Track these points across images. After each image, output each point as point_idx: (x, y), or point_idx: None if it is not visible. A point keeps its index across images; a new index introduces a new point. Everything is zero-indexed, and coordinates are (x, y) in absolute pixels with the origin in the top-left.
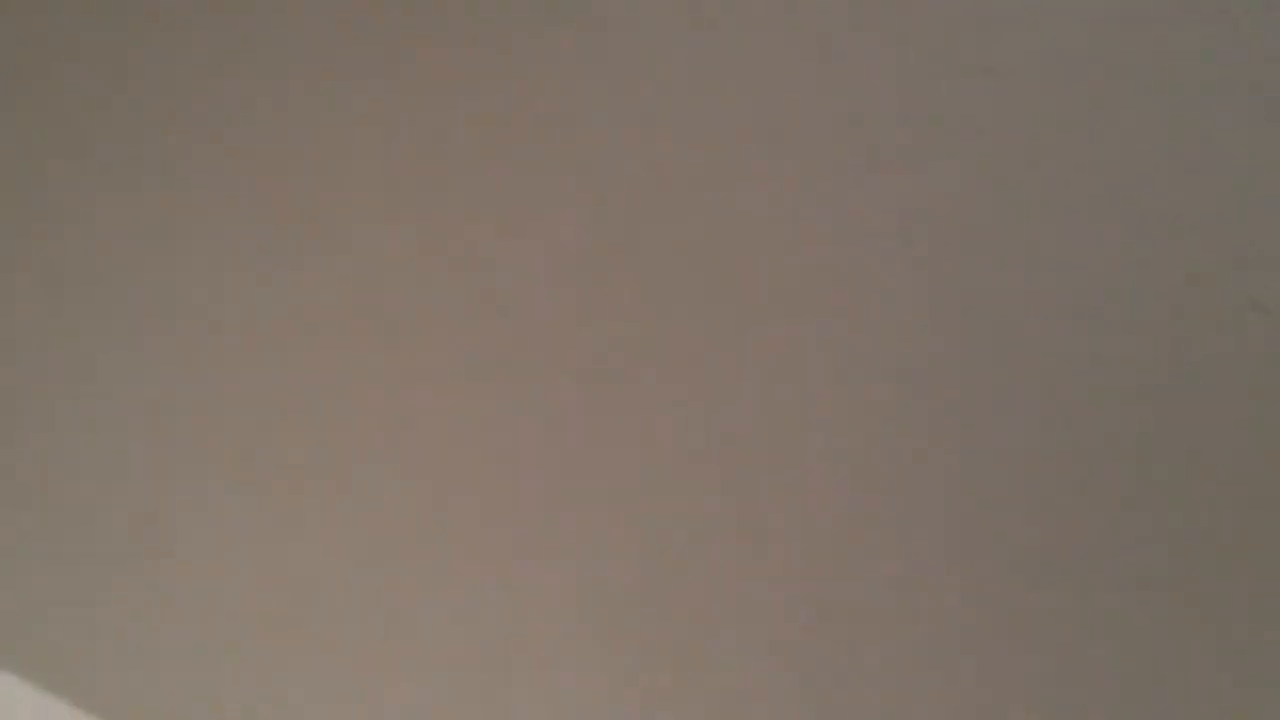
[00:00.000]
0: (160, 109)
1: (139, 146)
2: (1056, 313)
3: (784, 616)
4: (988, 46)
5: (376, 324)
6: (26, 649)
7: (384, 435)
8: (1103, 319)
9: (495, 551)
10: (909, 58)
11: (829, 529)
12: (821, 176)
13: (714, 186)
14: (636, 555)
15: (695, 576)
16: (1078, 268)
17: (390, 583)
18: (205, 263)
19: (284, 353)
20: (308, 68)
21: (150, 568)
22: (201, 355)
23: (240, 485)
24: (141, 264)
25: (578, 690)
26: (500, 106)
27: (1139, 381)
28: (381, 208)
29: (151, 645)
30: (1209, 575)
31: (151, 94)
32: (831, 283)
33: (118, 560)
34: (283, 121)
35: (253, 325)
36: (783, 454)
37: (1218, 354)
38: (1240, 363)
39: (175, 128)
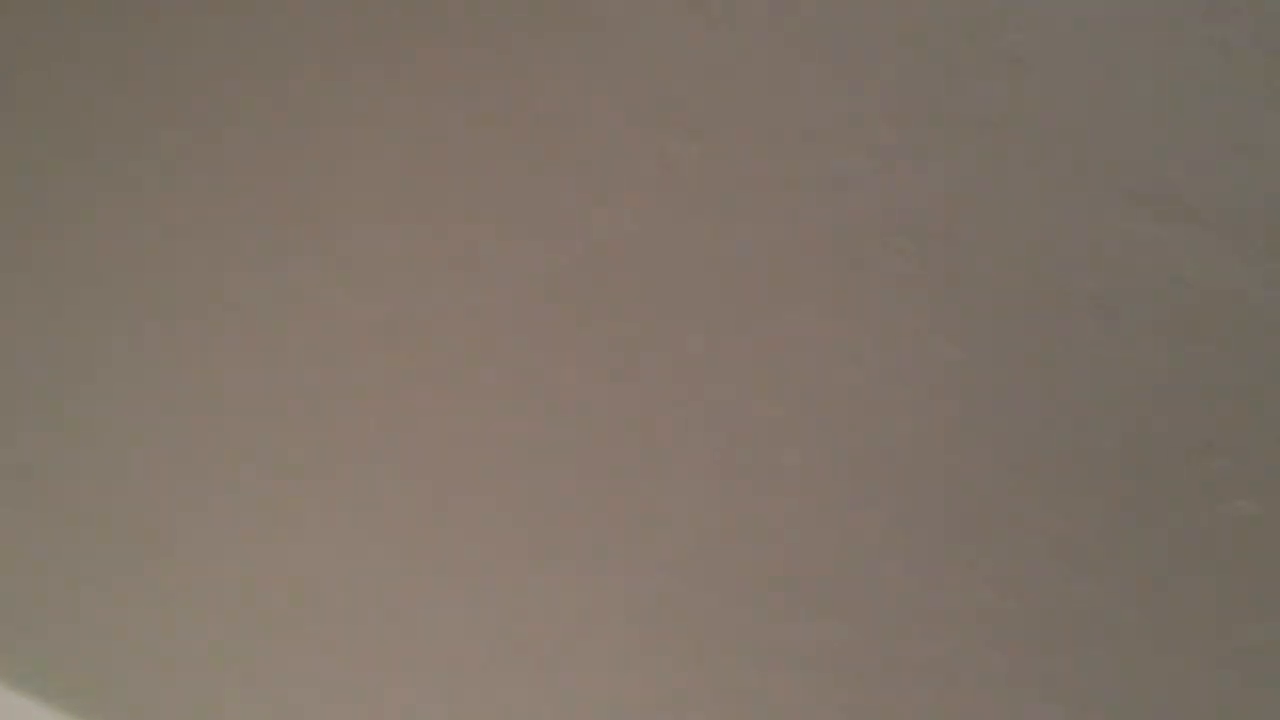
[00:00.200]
0: (160, 108)
1: (138, 146)
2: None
3: (787, 617)
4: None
5: (378, 324)
6: (23, 652)
7: (386, 436)
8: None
9: (496, 553)
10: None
11: (833, 527)
12: (824, 176)
13: (716, 186)
14: (637, 556)
15: (699, 576)
16: None
17: (390, 583)
18: (205, 263)
19: (286, 353)
20: (308, 67)
21: (150, 569)
22: (202, 355)
23: (240, 485)
24: (142, 263)
25: (578, 691)
26: (500, 106)
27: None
28: (383, 207)
29: (151, 647)
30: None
31: (151, 93)
32: (835, 283)
33: (117, 563)
34: (283, 121)
35: (253, 325)
36: (787, 452)
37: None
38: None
39: (175, 127)
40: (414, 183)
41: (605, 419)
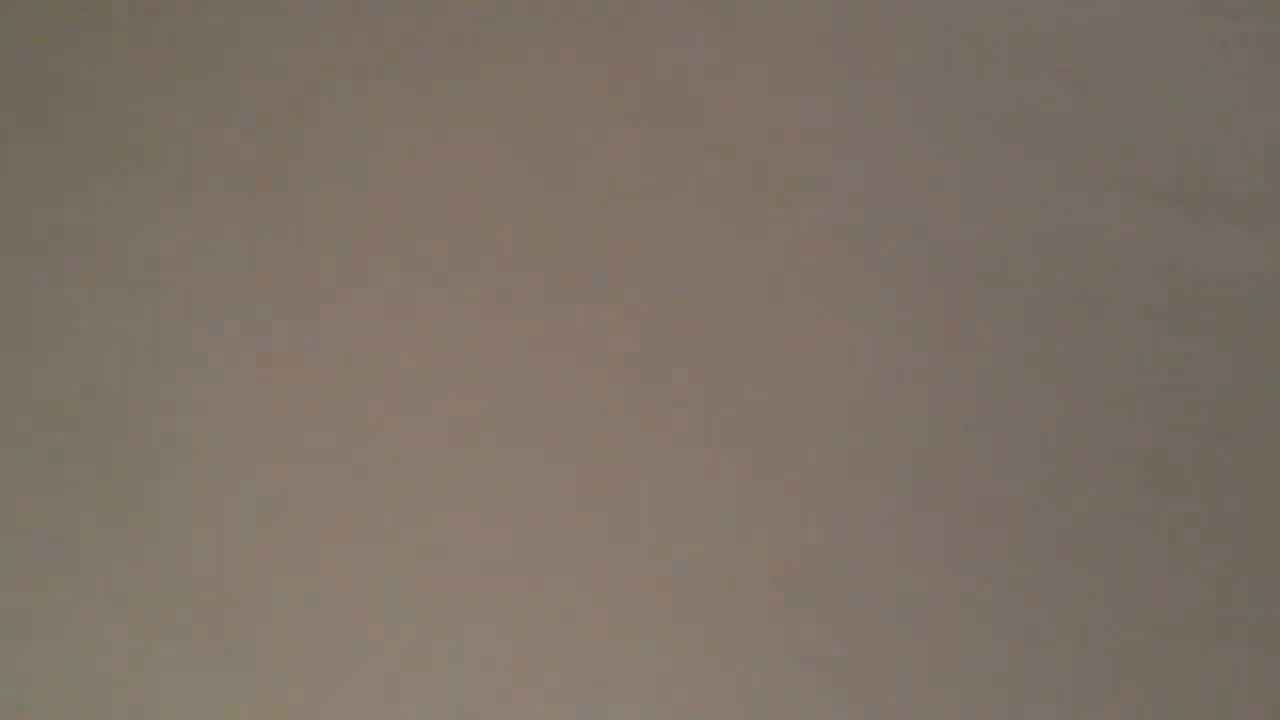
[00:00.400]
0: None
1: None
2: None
3: (787, 617)
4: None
5: (384, 329)
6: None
7: (392, 443)
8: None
9: (497, 557)
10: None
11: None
12: (829, 176)
13: (720, 187)
14: (639, 555)
15: (697, 577)
16: None
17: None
18: (205, 267)
19: (291, 358)
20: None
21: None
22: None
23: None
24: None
25: (579, 691)
26: (501, 107)
27: None
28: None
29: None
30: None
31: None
32: (838, 281)
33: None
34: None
35: (253, 329)
36: (792, 446)
37: None
38: None
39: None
40: (411, 182)
41: (610, 420)
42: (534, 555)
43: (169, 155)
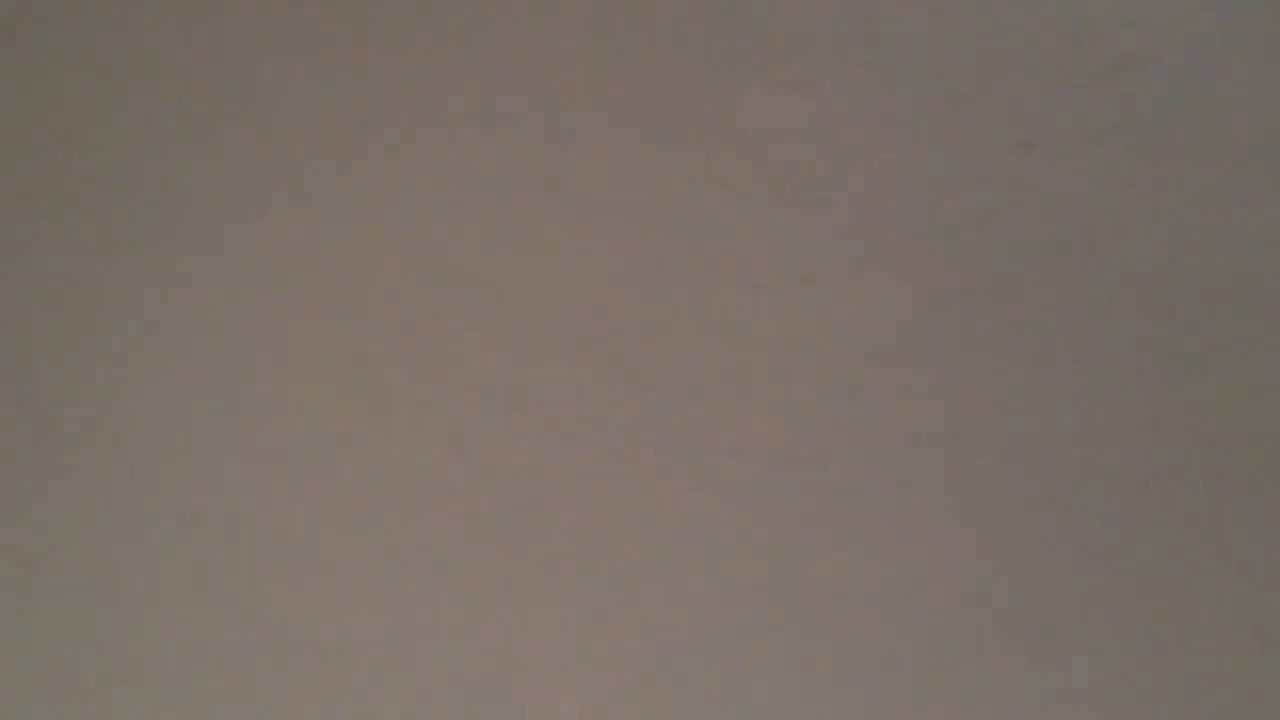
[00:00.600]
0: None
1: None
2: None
3: (785, 616)
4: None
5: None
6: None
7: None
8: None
9: (495, 563)
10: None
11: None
12: (842, 177)
13: (733, 188)
14: (637, 556)
15: (697, 578)
16: None
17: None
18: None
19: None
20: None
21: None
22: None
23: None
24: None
25: (579, 691)
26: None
27: None
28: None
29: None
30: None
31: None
32: (846, 283)
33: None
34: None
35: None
36: (794, 445)
37: None
38: None
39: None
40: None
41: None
42: (534, 557)
43: (186, 242)
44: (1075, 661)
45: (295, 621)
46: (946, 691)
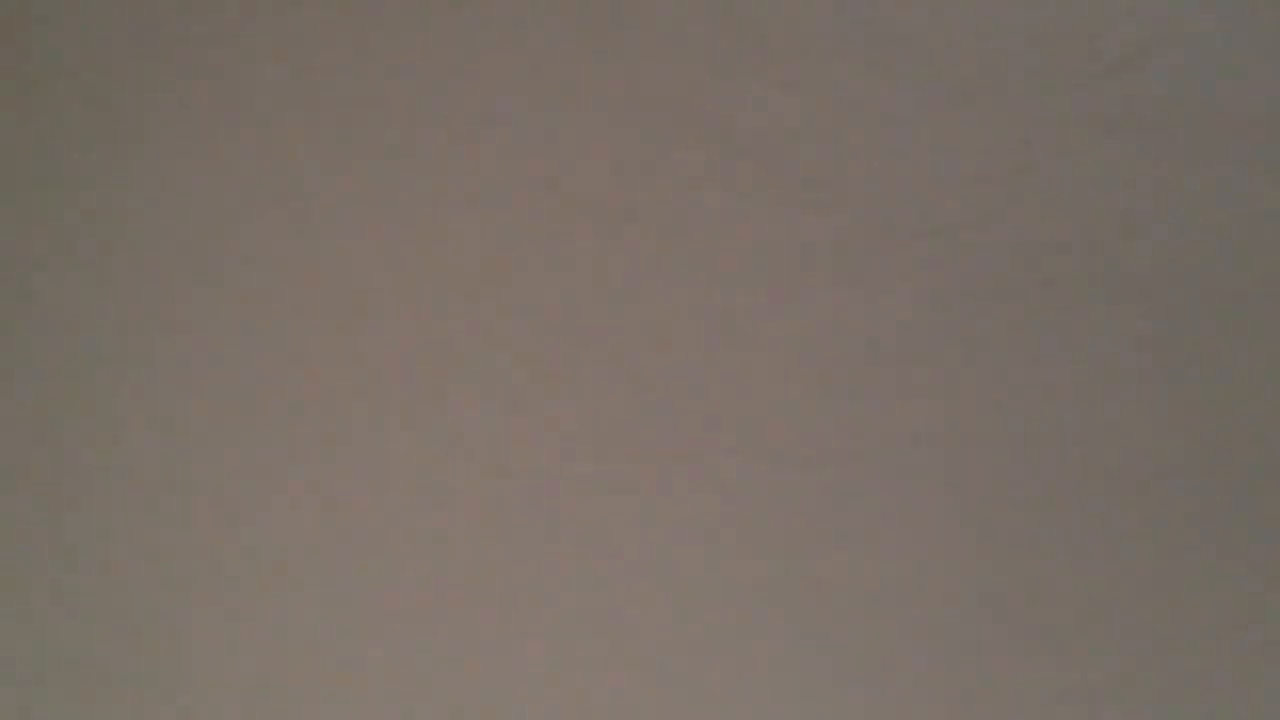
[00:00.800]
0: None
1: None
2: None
3: (787, 615)
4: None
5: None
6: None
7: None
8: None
9: (496, 566)
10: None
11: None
12: (844, 177)
13: (736, 188)
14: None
15: (696, 574)
16: None
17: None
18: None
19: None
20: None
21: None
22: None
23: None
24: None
25: (580, 689)
26: (515, 106)
27: None
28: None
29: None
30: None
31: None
32: (851, 283)
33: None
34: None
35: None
36: (797, 445)
37: None
38: None
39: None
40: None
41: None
42: (537, 559)
43: (186, 242)
44: (1075, 661)
45: (295, 622)
46: (946, 691)
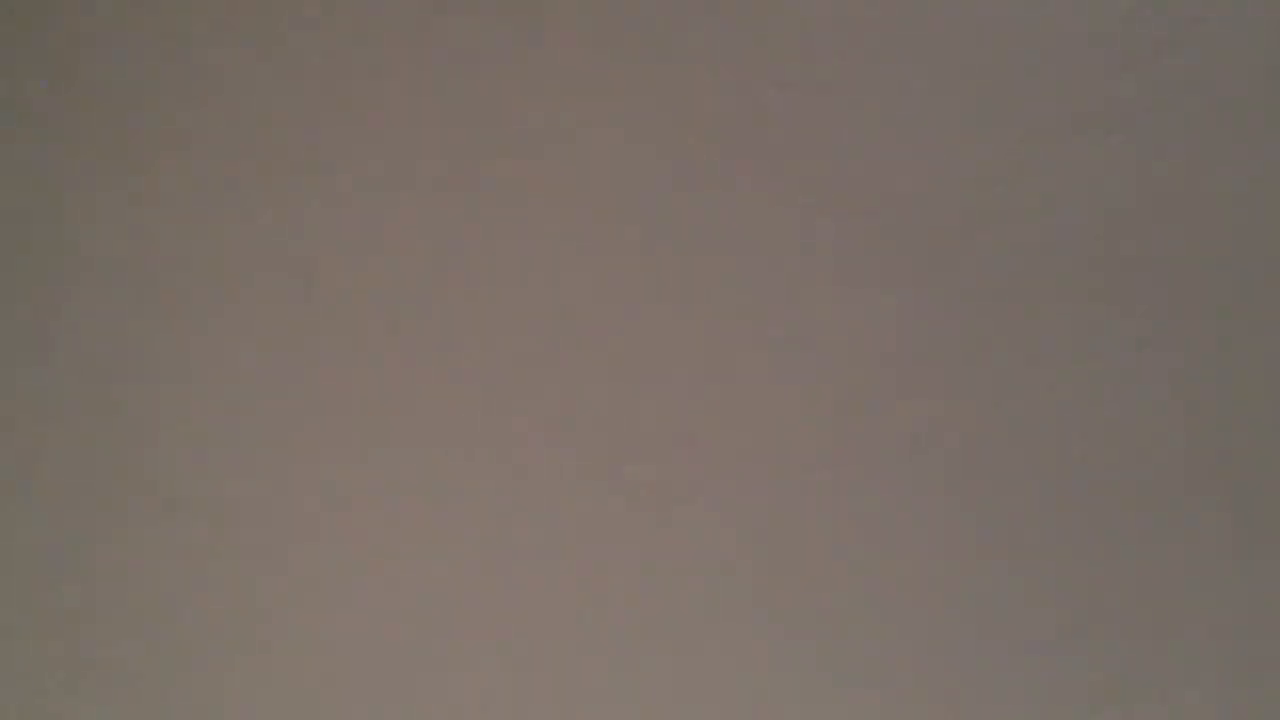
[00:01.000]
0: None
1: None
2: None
3: (787, 614)
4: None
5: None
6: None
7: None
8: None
9: (495, 569)
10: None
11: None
12: (844, 177)
13: (739, 187)
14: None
15: (696, 571)
16: None
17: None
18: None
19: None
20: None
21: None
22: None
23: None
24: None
25: (580, 687)
26: (520, 108)
27: None
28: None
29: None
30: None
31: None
32: (852, 282)
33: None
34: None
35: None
36: (799, 445)
37: None
38: None
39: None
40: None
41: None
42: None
43: (186, 242)
44: (1075, 661)
45: (295, 621)
46: (947, 691)
